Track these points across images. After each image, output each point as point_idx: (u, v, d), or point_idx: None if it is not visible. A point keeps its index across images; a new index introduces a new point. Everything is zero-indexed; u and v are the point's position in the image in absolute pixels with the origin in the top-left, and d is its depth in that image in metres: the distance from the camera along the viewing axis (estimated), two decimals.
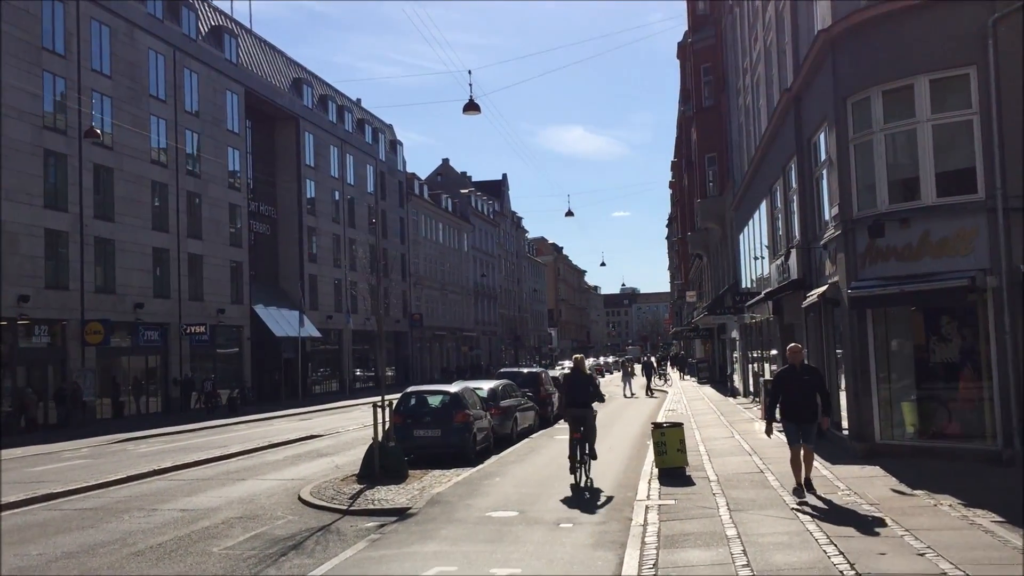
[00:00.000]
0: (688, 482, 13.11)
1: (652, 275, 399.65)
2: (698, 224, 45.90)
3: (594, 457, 14.27)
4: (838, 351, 16.52)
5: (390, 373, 67.11)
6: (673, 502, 11.53)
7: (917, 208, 13.68)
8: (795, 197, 19.33)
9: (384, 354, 65.70)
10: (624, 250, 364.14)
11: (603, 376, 65.66)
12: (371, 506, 12.62)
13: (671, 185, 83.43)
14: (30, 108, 32.61)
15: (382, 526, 11.19)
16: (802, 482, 11.62)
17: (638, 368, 55.19)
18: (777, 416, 12.15)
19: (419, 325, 72.48)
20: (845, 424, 15.83)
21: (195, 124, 43.37)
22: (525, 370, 29.71)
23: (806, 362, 12.59)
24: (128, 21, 38.29)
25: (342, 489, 13.98)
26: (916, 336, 14.83)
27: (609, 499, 12.62)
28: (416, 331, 72.94)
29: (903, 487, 11.67)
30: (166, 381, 39.97)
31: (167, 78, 41.16)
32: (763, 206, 24.72)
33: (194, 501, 13.98)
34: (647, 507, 11.26)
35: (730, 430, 20.86)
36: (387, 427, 15.84)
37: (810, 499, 11.14)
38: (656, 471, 13.96)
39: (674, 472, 13.75)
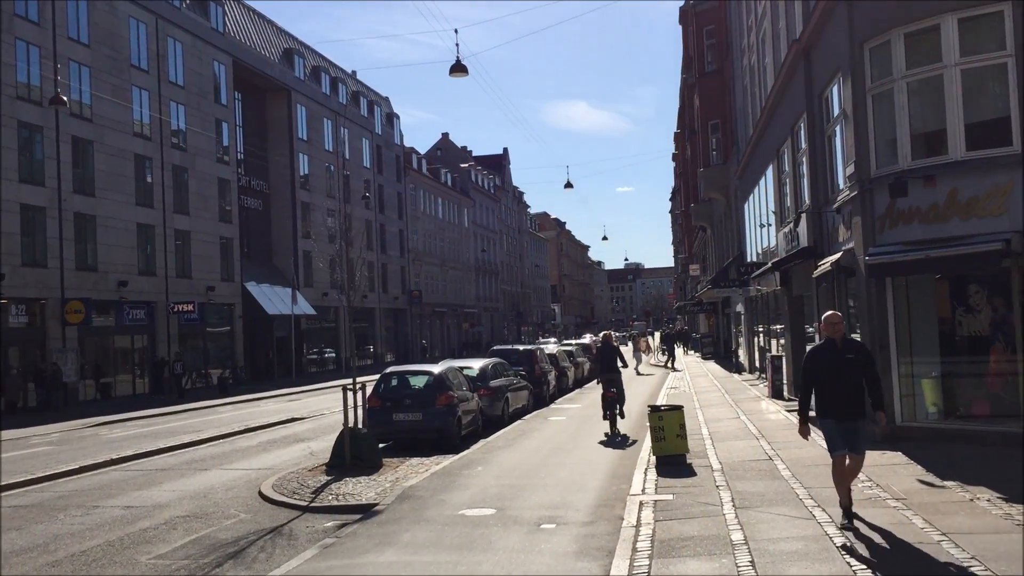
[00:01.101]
0: (689, 472, 11.76)
1: (656, 250, 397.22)
2: (701, 195, 44.43)
3: (623, 416, 17.93)
4: (855, 329, 15.12)
5: (390, 359, 65.95)
6: (671, 497, 10.19)
7: (944, 164, 12.21)
8: (804, 159, 17.89)
9: (382, 332, 64.82)
10: (628, 225, 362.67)
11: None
12: (334, 502, 11.31)
13: (674, 157, 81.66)
14: (2, 78, 31.14)
15: (342, 527, 9.89)
16: (846, 506, 8.47)
17: (652, 343, 53.26)
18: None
19: (418, 302, 71.17)
20: None
21: (180, 95, 41.82)
22: (520, 347, 28.40)
23: (849, 336, 9.32)
24: None
25: (307, 481, 12.67)
26: (941, 307, 13.44)
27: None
28: (415, 308, 71.63)
29: (931, 477, 10.32)
30: (153, 361, 38.71)
31: (149, 47, 39.59)
32: (769, 171, 23.25)
33: (143, 496, 12.68)
34: (641, 503, 9.93)
35: (735, 410, 19.54)
36: (366, 411, 14.60)
37: (836, 511, 8.52)
38: (654, 459, 12.63)
39: (673, 460, 12.41)
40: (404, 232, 70.48)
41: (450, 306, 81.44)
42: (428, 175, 78.86)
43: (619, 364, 18.27)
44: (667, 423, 12.57)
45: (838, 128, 15.17)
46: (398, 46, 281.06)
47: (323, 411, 25.60)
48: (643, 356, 43.49)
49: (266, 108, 52.84)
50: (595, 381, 21.43)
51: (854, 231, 13.91)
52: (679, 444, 12.60)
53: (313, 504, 11.24)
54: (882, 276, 13.07)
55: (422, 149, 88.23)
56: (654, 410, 13.03)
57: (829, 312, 8.88)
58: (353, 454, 13.50)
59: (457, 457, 14.46)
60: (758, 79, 24.75)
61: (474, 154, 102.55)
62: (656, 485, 10.99)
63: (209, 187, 43.96)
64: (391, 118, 71.94)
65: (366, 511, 10.60)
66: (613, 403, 17.48)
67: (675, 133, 75.16)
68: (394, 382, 17.44)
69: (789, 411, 18.28)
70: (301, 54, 56.34)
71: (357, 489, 11.99)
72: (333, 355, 57.36)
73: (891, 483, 10.08)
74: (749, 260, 28.85)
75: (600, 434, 17.10)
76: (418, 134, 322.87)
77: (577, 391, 29.86)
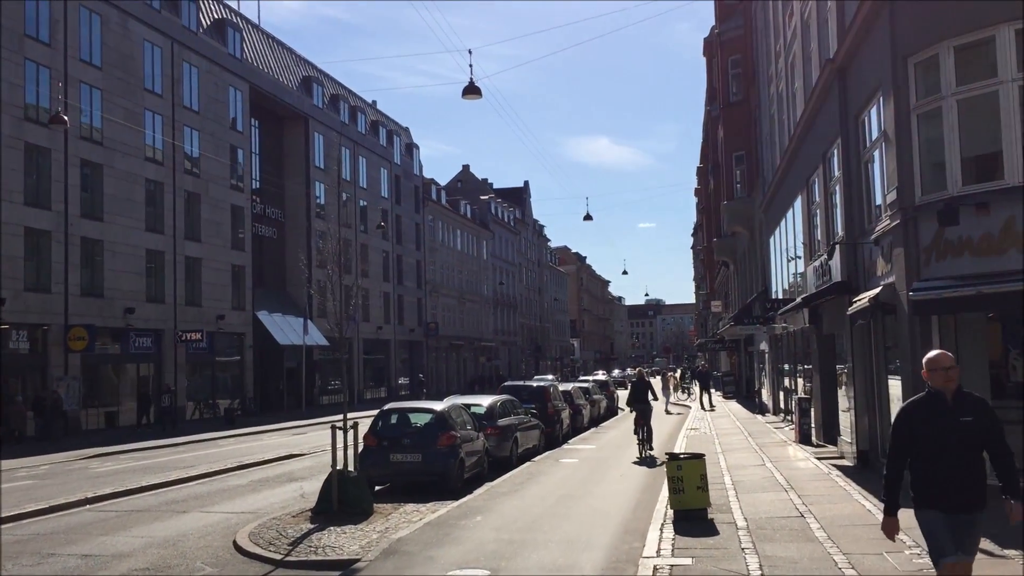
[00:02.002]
0: (710, 530, 10.47)
1: (677, 286, 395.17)
2: (724, 229, 43.19)
3: (652, 449, 20.59)
4: (889, 372, 13.82)
5: (405, 392, 64.69)
6: (690, 561, 8.93)
7: (999, 189, 10.99)
8: (838, 187, 16.68)
9: (397, 364, 63.69)
10: (649, 261, 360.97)
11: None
12: (312, 556, 10.12)
13: (696, 192, 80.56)
14: (10, 99, 30.56)
15: None
16: None
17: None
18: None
19: (435, 334, 70.08)
20: None
21: (195, 121, 41.21)
22: (533, 383, 27.15)
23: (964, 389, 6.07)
24: (121, 10, 36.18)
25: (287, 530, 11.48)
26: (992, 349, 12.17)
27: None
28: (432, 340, 70.55)
29: (989, 545, 8.99)
30: (159, 391, 37.68)
31: (164, 72, 39.03)
32: (798, 203, 22.04)
33: (107, 543, 11.51)
34: (655, 568, 8.67)
35: (760, 456, 18.19)
36: (355, 452, 13.46)
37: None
38: (671, 513, 11.36)
39: (693, 515, 11.12)
40: (422, 263, 69.61)
41: (467, 339, 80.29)
42: (447, 206, 78.12)
43: (649, 397, 21.40)
44: (686, 473, 11.29)
45: (876, 153, 13.99)
46: (421, 80, 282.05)
47: (325, 447, 24.29)
48: (671, 394, 42.15)
49: (283, 135, 52.30)
50: (628, 410, 26.67)
51: (895, 264, 12.68)
52: (699, 497, 11.31)
53: (288, 558, 10.05)
54: (928, 314, 11.81)
55: (443, 181, 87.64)
56: (672, 458, 11.77)
57: (937, 352, 6.09)
58: (341, 499, 12.33)
59: (456, 504, 13.23)
60: (786, 106, 23.64)
61: (495, 187, 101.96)
62: (673, 545, 9.73)
63: (222, 214, 43.22)
64: (411, 148, 71.36)
65: (345, 568, 9.42)
66: (643, 426, 20.40)
67: (698, 167, 74.19)
68: (393, 419, 16.30)
69: (819, 459, 16.96)
70: (320, 82, 55.88)
71: (340, 541, 10.79)
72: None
73: None
74: (774, 296, 27.58)
75: (613, 480, 15.99)
76: (440, 167, 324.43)
77: (592, 430, 28.55)
